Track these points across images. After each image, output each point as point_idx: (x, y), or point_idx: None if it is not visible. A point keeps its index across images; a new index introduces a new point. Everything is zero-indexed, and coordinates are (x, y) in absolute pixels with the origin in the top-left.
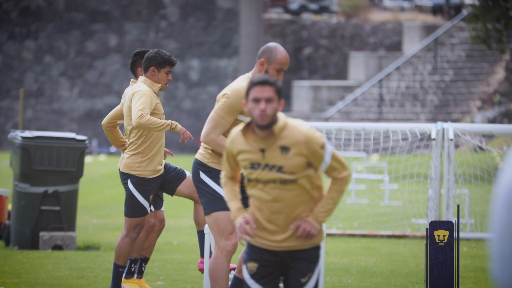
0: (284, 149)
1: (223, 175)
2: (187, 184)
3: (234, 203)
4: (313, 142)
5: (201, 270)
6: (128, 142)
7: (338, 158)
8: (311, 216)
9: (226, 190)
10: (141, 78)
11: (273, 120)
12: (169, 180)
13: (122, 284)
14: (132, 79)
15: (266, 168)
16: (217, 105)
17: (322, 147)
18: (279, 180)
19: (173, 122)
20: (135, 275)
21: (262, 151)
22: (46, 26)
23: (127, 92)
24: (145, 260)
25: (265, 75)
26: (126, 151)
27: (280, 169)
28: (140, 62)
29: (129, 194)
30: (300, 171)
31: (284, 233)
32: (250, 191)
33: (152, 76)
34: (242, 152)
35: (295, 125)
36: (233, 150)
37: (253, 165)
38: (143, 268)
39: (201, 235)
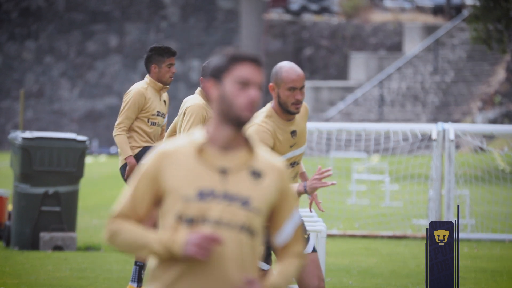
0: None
1: (115, 213)
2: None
3: (150, 235)
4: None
5: None
6: None
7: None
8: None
9: (129, 230)
10: (198, 89)
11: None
12: None
13: None
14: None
15: (226, 199)
16: None
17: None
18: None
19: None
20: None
21: (223, 172)
22: (46, 26)
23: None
24: (143, 267)
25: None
26: None
27: (245, 203)
28: (155, 58)
29: None
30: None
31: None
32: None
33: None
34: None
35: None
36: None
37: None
38: (142, 275)
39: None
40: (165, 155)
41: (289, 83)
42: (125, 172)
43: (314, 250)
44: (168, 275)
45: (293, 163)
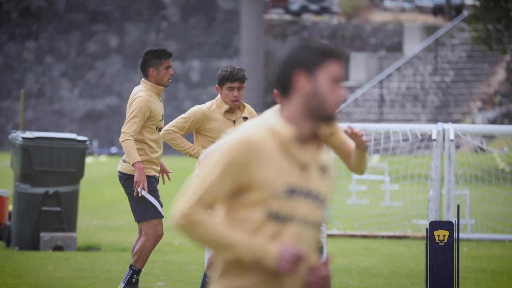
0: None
1: (194, 200)
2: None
3: (237, 237)
4: None
5: None
6: None
7: None
8: None
9: (213, 225)
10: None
11: None
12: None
13: None
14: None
15: (310, 197)
16: None
17: None
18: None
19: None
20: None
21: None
22: (46, 26)
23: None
24: (138, 272)
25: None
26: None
27: (321, 200)
28: (152, 62)
29: (136, 197)
30: None
31: None
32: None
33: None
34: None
35: None
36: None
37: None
38: (134, 279)
39: None
40: (252, 145)
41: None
42: (133, 179)
43: None
44: (247, 281)
45: None
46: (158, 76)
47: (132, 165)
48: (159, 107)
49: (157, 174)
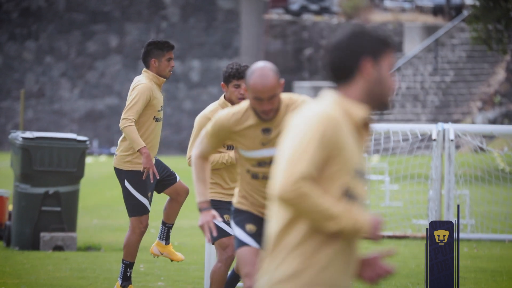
0: None
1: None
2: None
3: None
4: None
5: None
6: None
7: None
8: None
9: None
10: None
11: None
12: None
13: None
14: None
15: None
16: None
17: None
18: None
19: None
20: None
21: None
22: (46, 26)
23: None
24: (171, 227)
25: None
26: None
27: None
28: (155, 53)
29: (127, 193)
30: None
31: None
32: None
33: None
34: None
35: None
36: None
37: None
38: (169, 233)
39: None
40: (337, 121)
41: (254, 92)
42: (127, 182)
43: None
44: (324, 255)
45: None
46: (159, 67)
47: (138, 151)
48: (159, 97)
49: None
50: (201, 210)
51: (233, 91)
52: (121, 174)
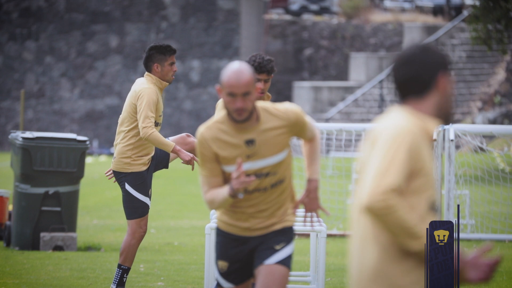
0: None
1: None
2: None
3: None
4: None
5: None
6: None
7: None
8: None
9: (407, 212)
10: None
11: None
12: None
13: None
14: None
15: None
16: None
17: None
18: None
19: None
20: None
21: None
22: (46, 27)
23: None
24: (127, 270)
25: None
26: (116, 143)
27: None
28: (157, 57)
29: (127, 196)
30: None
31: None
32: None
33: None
34: None
35: None
36: None
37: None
38: (124, 279)
39: None
40: (418, 136)
41: (228, 87)
42: (128, 185)
43: (281, 263)
44: (409, 277)
45: (261, 175)
46: (162, 72)
47: (172, 151)
48: (161, 102)
49: (145, 168)
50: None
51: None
52: (121, 177)
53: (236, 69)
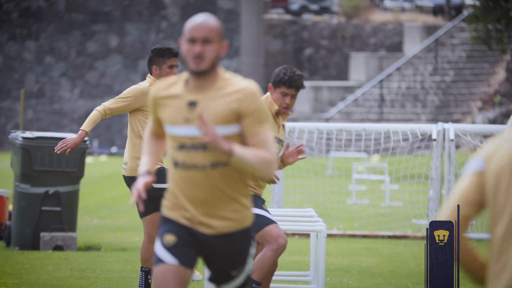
0: None
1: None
2: None
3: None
4: None
5: None
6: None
7: None
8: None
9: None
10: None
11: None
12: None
13: None
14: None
15: None
16: None
17: None
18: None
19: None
20: None
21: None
22: (47, 27)
23: None
24: (149, 272)
25: None
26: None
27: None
28: (156, 60)
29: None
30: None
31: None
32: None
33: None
34: None
35: None
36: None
37: None
38: (150, 280)
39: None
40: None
41: (189, 32)
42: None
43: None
44: None
45: (198, 146)
46: (160, 74)
47: (80, 136)
48: None
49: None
50: (138, 176)
51: (278, 97)
52: (132, 182)
53: (201, 16)
